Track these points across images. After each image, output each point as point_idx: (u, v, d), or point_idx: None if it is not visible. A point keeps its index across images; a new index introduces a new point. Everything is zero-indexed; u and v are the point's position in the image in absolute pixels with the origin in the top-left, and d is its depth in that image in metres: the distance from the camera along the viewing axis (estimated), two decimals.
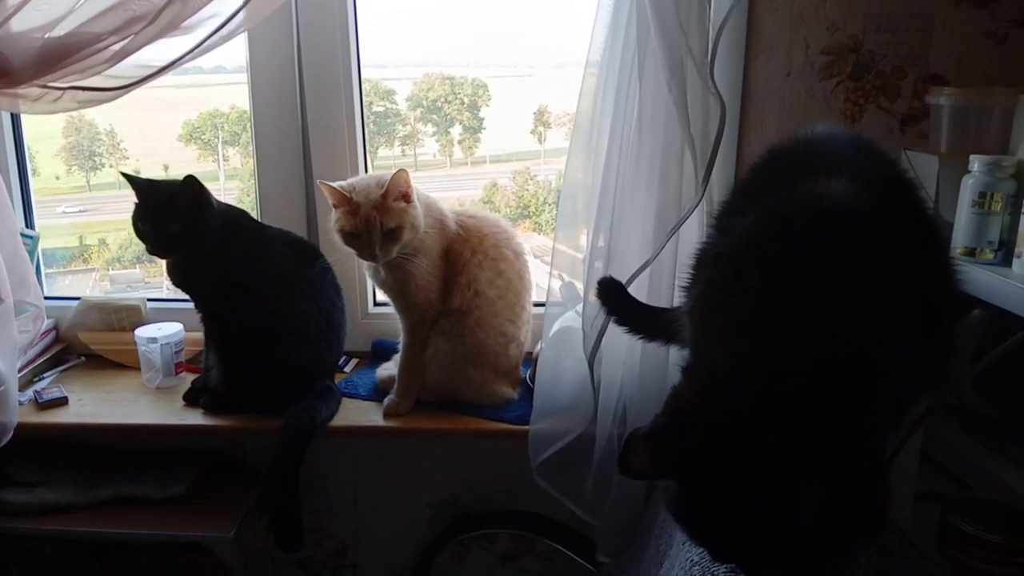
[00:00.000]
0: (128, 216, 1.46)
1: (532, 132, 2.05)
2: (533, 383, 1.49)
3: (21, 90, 1.32)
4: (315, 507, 1.74)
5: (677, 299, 1.08)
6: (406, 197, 1.39)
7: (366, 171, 1.68)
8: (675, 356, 1.23)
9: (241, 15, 1.31)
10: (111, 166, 2.13)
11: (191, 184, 1.42)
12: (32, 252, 1.68)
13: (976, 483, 1.21)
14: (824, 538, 0.70)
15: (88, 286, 2.15)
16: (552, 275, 1.46)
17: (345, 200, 1.38)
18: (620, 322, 1.23)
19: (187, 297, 1.55)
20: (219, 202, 1.50)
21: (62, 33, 1.26)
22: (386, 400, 1.51)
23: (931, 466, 1.27)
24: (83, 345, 1.75)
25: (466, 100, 2.04)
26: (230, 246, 1.48)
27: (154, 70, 1.35)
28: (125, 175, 1.45)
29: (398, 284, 1.45)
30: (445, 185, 2.17)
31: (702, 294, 0.92)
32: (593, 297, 1.27)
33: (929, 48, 1.43)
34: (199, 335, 1.58)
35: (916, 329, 0.79)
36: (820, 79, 1.47)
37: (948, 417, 1.29)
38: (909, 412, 1.02)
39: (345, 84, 1.60)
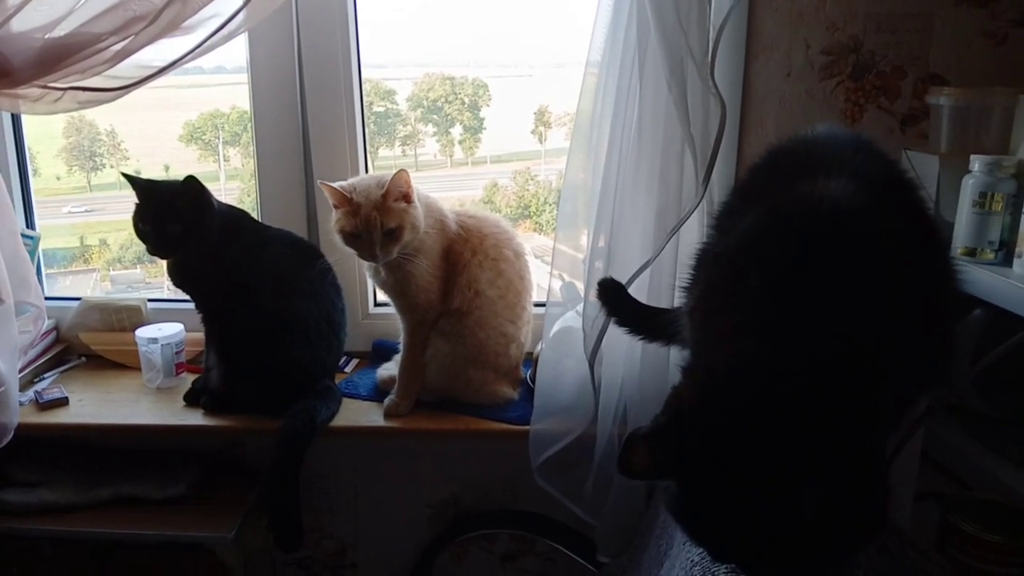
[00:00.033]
0: (129, 216, 1.46)
1: (532, 132, 2.05)
2: (533, 383, 1.49)
3: (21, 90, 1.32)
4: (315, 507, 1.75)
5: (677, 299, 1.08)
6: (406, 197, 1.39)
7: (366, 171, 1.68)
8: (675, 356, 1.23)
9: (241, 15, 1.32)
10: (112, 166, 2.13)
11: (192, 184, 1.43)
12: (33, 252, 1.68)
13: (976, 483, 1.21)
14: (824, 538, 0.70)
15: (89, 286, 2.15)
16: (552, 275, 1.46)
17: (345, 200, 1.38)
18: (620, 322, 1.23)
19: (187, 297, 1.55)
20: (220, 202, 1.50)
21: (62, 33, 1.26)
22: (386, 400, 1.51)
23: (931, 466, 1.27)
24: (84, 345, 1.75)
25: (466, 100, 2.04)
26: (230, 246, 1.49)
27: (154, 70, 1.35)
28: (126, 175, 1.46)
29: (398, 284, 1.45)
30: (446, 185, 2.17)
31: (702, 294, 0.93)
32: (593, 297, 1.27)
33: (929, 48, 1.44)
34: (199, 335, 1.58)
35: (916, 329, 0.79)
36: (820, 79, 1.47)
37: (948, 417, 1.28)
38: (909, 412, 1.02)
39: (345, 84, 1.60)
